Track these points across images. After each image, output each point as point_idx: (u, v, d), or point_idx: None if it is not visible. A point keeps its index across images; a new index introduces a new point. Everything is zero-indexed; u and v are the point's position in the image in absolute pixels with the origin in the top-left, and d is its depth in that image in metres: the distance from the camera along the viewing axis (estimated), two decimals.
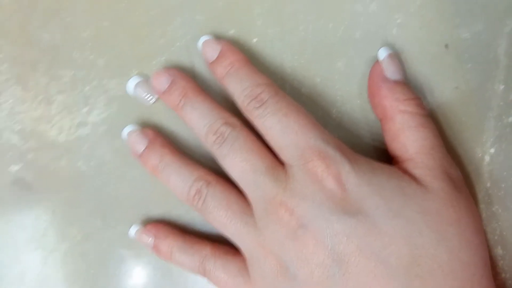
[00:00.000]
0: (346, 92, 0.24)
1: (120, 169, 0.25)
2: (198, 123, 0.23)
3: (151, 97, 0.24)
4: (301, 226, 0.20)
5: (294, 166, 0.21)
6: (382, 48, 0.23)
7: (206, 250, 0.23)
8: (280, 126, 0.21)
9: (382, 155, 0.24)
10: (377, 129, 0.24)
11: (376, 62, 0.23)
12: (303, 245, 0.20)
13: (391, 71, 0.22)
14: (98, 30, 0.25)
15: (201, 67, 0.25)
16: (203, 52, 0.24)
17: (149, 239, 0.24)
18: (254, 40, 0.25)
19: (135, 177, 0.25)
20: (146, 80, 0.25)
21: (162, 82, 0.24)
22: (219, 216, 0.22)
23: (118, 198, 0.25)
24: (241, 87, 0.22)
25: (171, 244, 0.24)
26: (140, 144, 0.24)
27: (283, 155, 0.21)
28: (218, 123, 0.22)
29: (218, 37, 0.24)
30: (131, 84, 0.25)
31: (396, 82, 0.22)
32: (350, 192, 0.20)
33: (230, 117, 0.23)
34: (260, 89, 0.22)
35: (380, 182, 0.20)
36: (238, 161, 0.22)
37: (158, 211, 0.25)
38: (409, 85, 0.22)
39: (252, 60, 0.24)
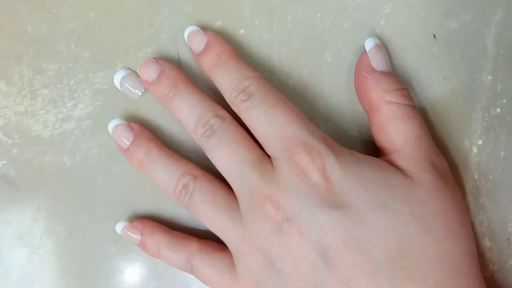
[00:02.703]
0: (334, 84, 0.24)
1: (106, 164, 0.25)
2: (187, 115, 0.22)
3: (138, 90, 0.24)
4: (287, 220, 0.20)
5: (280, 158, 0.21)
6: (368, 39, 0.23)
7: (192, 247, 0.23)
8: (266, 118, 0.21)
9: (369, 148, 0.24)
10: (364, 121, 0.24)
11: (363, 53, 0.23)
12: (288, 239, 0.20)
13: (377, 62, 0.22)
14: (84, 22, 0.25)
15: (188, 59, 0.25)
16: (189, 43, 0.24)
17: (135, 236, 0.24)
18: (241, 31, 0.24)
19: (121, 172, 0.25)
20: (132, 73, 0.24)
21: (151, 72, 0.23)
22: (205, 211, 0.22)
23: (104, 193, 0.25)
24: (228, 80, 0.22)
25: (157, 240, 0.23)
26: (126, 139, 0.24)
27: (269, 147, 0.21)
28: (208, 116, 0.22)
29: (205, 28, 0.24)
30: (118, 77, 0.24)
31: (382, 73, 0.22)
32: (335, 184, 0.20)
33: (220, 109, 0.22)
34: (248, 82, 0.22)
35: (365, 174, 0.20)
36: (225, 154, 0.21)
37: (144, 206, 0.25)
38: (396, 76, 0.22)
39: (239, 52, 0.24)
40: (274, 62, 0.24)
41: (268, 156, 0.21)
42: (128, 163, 0.24)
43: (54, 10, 0.25)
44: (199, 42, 0.23)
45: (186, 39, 0.24)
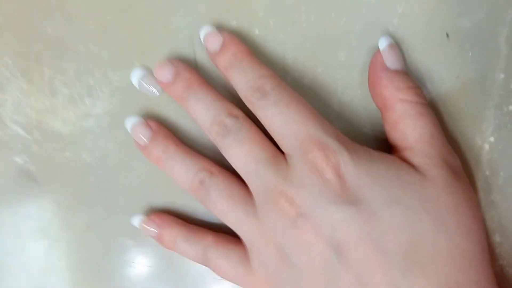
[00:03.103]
0: (347, 83, 0.24)
1: (124, 160, 0.25)
2: (202, 115, 0.23)
3: (155, 89, 0.25)
4: (301, 215, 0.20)
5: (294, 156, 0.21)
6: (382, 38, 0.23)
7: (208, 239, 0.23)
8: (281, 117, 0.21)
9: (382, 145, 0.24)
10: (377, 119, 0.24)
11: (376, 51, 0.23)
12: (302, 234, 0.20)
13: (391, 61, 0.23)
14: (102, 22, 0.25)
15: (203, 59, 0.25)
16: (205, 43, 0.24)
17: (152, 229, 0.24)
18: (256, 31, 0.25)
19: (138, 168, 0.25)
20: (150, 72, 0.25)
21: (166, 73, 0.24)
22: (221, 206, 0.22)
23: (121, 188, 0.26)
24: (244, 79, 0.23)
25: (174, 233, 0.24)
26: (144, 136, 0.24)
27: (284, 145, 0.22)
28: (222, 115, 0.23)
29: (220, 28, 0.24)
30: (135, 76, 0.25)
31: (396, 72, 0.22)
32: (349, 182, 0.20)
33: (234, 108, 0.23)
34: (263, 80, 0.22)
35: (378, 171, 0.20)
36: (240, 152, 0.22)
37: (161, 201, 0.26)
38: (409, 74, 0.23)
39: (254, 52, 0.24)
40: (288, 61, 0.25)
41: (283, 153, 0.22)
42: (145, 159, 0.25)
43: (73, 12, 0.26)
44: (215, 42, 0.24)
45: (202, 39, 0.24)
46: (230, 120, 0.22)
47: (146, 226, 0.24)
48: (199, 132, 0.25)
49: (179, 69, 0.24)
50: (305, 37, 0.24)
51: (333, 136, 0.21)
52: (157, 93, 0.25)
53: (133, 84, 0.25)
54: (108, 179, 0.26)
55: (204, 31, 0.24)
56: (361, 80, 0.24)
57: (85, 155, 0.26)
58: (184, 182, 0.23)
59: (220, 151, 0.23)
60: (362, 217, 0.19)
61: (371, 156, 0.21)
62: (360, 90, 0.24)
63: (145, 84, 0.25)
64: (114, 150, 0.26)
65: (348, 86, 0.24)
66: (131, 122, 0.25)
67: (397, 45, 0.23)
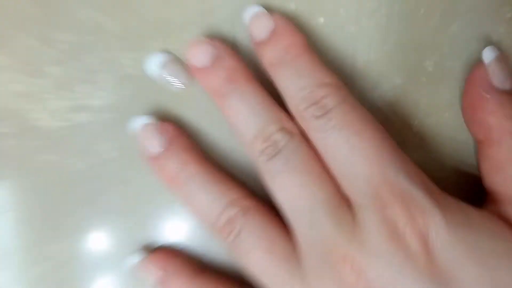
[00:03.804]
0: (433, 100, 0.19)
1: (126, 172, 0.19)
2: (245, 122, 0.17)
3: (181, 81, 0.19)
4: None
5: (365, 208, 0.15)
6: (488, 48, 0.18)
7: None
8: (348, 148, 0.16)
9: (470, 183, 0.19)
10: (467, 151, 0.19)
11: (479, 64, 0.18)
12: None
13: (500, 79, 0.17)
14: None
15: (248, 48, 0.19)
16: (249, 27, 0.18)
17: (154, 274, 0.18)
18: (321, 19, 0.19)
19: (145, 184, 0.19)
20: (175, 58, 0.19)
21: (203, 55, 0.18)
22: (256, 258, 0.17)
23: (120, 209, 0.19)
24: (297, 84, 0.17)
25: (183, 285, 0.18)
26: (156, 143, 0.18)
27: (350, 188, 0.16)
28: (272, 128, 0.17)
29: (273, 11, 0.18)
30: (155, 61, 0.19)
31: (507, 94, 0.17)
32: (440, 254, 0.15)
33: (288, 120, 0.17)
34: (323, 91, 0.17)
35: (478, 243, 0.15)
36: (291, 186, 0.16)
37: (169, 232, 0.19)
38: None
39: (315, 47, 0.18)
40: (358, 64, 0.19)
41: (344, 194, 0.16)
42: (152, 173, 0.19)
43: None
44: (263, 27, 0.18)
45: (246, 21, 0.18)
46: (283, 137, 0.17)
47: (146, 269, 0.18)
48: (233, 144, 0.19)
49: (222, 53, 0.18)
50: (384, 34, 0.19)
51: (420, 185, 0.15)
52: (183, 85, 0.19)
53: (149, 72, 0.19)
54: (104, 194, 0.19)
55: (251, 11, 0.18)
56: (451, 99, 0.19)
57: (76, 159, 0.19)
58: (205, 217, 0.17)
59: (261, 175, 0.17)
60: None
61: (466, 215, 0.16)
62: (449, 113, 0.19)
63: (166, 73, 0.19)
64: (115, 157, 0.19)
65: (433, 105, 0.19)
66: (140, 122, 0.18)
67: (508, 59, 0.18)
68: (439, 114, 0.19)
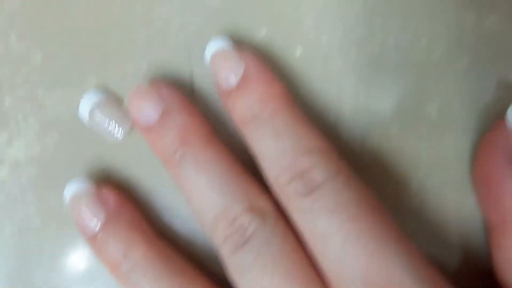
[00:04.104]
0: (435, 155, 0.15)
1: (55, 246, 0.15)
2: (202, 198, 0.13)
3: (119, 129, 0.15)
4: None
5: None
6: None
7: None
8: (342, 239, 0.12)
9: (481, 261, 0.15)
10: (478, 219, 0.15)
11: (497, 125, 0.14)
12: None
13: None
14: (37, 2, 0.15)
15: (207, 86, 0.15)
16: (213, 69, 0.14)
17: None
18: (298, 50, 0.15)
19: (78, 262, 0.15)
20: (113, 98, 0.15)
21: (148, 108, 0.14)
22: None
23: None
24: (276, 149, 0.13)
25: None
26: (94, 217, 0.14)
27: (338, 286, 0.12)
28: (238, 207, 0.13)
29: (241, 42, 0.15)
30: (87, 102, 0.15)
31: None
32: None
33: (260, 195, 0.13)
34: (310, 160, 0.13)
35: None
36: (264, 283, 0.12)
37: None
38: None
39: (291, 86, 0.15)
40: (345, 108, 0.15)
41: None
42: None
43: None
44: (230, 71, 0.14)
45: (207, 59, 0.14)
46: (252, 219, 0.13)
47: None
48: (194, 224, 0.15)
49: (171, 104, 0.14)
50: (379, 66, 0.15)
51: (429, 284, 0.12)
52: (120, 137, 0.15)
53: (81, 116, 0.15)
54: (23, 275, 0.15)
55: (213, 46, 0.14)
56: (458, 155, 0.15)
57: None
58: None
59: (228, 271, 0.13)
60: None
61: None
62: (455, 170, 0.15)
63: (101, 119, 0.14)
64: (38, 225, 0.15)
65: (436, 162, 0.15)
66: (72, 189, 0.14)
67: None
68: (444, 172, 0.15)
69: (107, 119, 0.15)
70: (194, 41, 0.15)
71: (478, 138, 0.15)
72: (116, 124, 0.15)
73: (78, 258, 0.15)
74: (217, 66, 0.14)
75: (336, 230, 0.12)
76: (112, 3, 0.15)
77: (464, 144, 0.15)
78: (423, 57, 0.15)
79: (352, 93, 0.15)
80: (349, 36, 0.15)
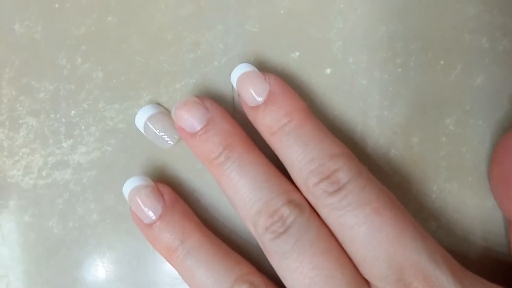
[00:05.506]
0: (454, 163, 0.17)
1: (111, 239, 0.17)
2: (246, 196, 0.15)
3: (170, 137, 0.17)
4: None
5: None
6: None
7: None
8: (367, 228, 0.14)
9: (497, 260, 0.16)
10: (495, 222, 0.16)
11: None
12: None
13: None
14: (99, 27, 0.17)
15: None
16: (239, 90, 0.16)
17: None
18: (328, 70, 0.17)
19: (132, 254, 0.17)
20: (164, 111, 0.17)
21: (193, 118, 0.16)
22: None
23: (100, 284, 0.17)
24: (304, 156, 0.15)
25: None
26: (151, 210, 0.16)
27: (370, 271, 0.14)
28: (279, 200, 0.15)
29: (266, 70, 0.16)
30: (143, 114, 0.17)
31: None
32: None
33: (296, 191, 0.15)
34: (335, 163, 0.15)
35: None
36: (305, 269, 0.14)
37: None
38: None
39: (321, 101, 0.16)
40: (370, 121, 0.17)
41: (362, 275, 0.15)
42: (146, 243, 0.16)
43: (57, 5, 0.17)
44: (257, 90, 0.16)
45: (234, 82, 0.16)
46: (291, 210, 0.15)
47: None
48: (235, 216, 0.17)
49: (215, 115, 0.16)
50: (399, 88, 0.17)
51: (444, 265, 0.14)
52: (172, 143, 0.17)
53: (136, 126, 0.17)
54: (82, 264, 0.17)
55: (239, 71, 0.16)
56: (475, 162, 0.17)
57: (53, 222, 0.17)
58: None
59: (268, 256, 0.15)
60: None
61: None
62: (472, 177, 0.17)
63: (154, 128, 0.16)
64: (97, 221, 0.17)
65: (455, 169, 0.17)
66: (132, 185, 0.16)
67: None
68: (461, 179, 0.17)
69: (158, 130, 0.17)
70: (236, 63, 0.17)
71: (493, 147, 0.16)
72: (166, 134, 0.17)
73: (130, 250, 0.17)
74: (244, 85, 0.16)
75: (362, 221, 0.14)
76: (164, 29, 0.17)
77: (480, 153, 0.16)
78: (441, 76, 0.17)
79: (376, 107, 0.17)
80: (374, 58, 0.17)
